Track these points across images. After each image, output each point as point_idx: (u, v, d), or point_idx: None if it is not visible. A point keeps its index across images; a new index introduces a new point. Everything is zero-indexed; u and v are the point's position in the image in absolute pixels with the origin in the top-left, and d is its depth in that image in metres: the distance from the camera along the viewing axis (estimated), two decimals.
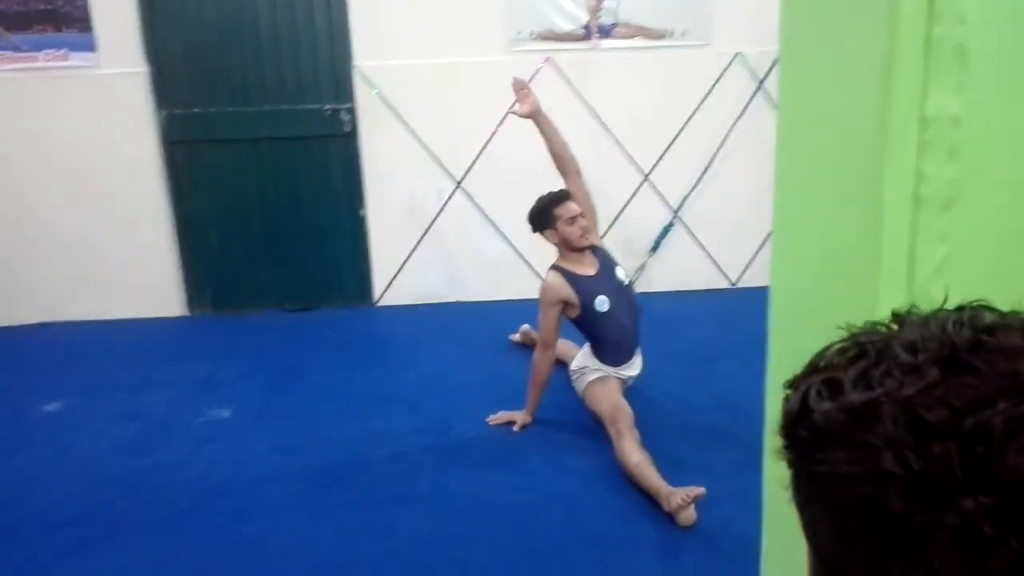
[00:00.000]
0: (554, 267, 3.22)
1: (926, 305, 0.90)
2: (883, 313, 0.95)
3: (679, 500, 2.47)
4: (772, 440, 1.30)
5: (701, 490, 2.50)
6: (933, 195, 0.86)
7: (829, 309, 1.06)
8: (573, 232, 3.14)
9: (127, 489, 2.79)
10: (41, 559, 2.42)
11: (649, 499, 2.59)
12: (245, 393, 3.60)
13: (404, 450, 3.04)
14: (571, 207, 3.16)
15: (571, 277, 3.14)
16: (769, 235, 4.19)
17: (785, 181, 1.13)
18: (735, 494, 2.60)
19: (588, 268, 3.20)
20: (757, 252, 4.88)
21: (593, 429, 3.07)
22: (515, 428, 3.12)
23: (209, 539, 2.49)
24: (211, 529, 2.54)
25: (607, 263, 3.26)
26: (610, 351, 3.18)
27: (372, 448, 3.05)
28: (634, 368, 3.27)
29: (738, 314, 4.49)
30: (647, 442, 2.88)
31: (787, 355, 1.20)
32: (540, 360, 3.11)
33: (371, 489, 2.76)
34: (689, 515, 2.48)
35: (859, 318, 1.00)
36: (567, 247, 3.18)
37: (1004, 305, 0.55)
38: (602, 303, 3.12)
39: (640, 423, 3.07)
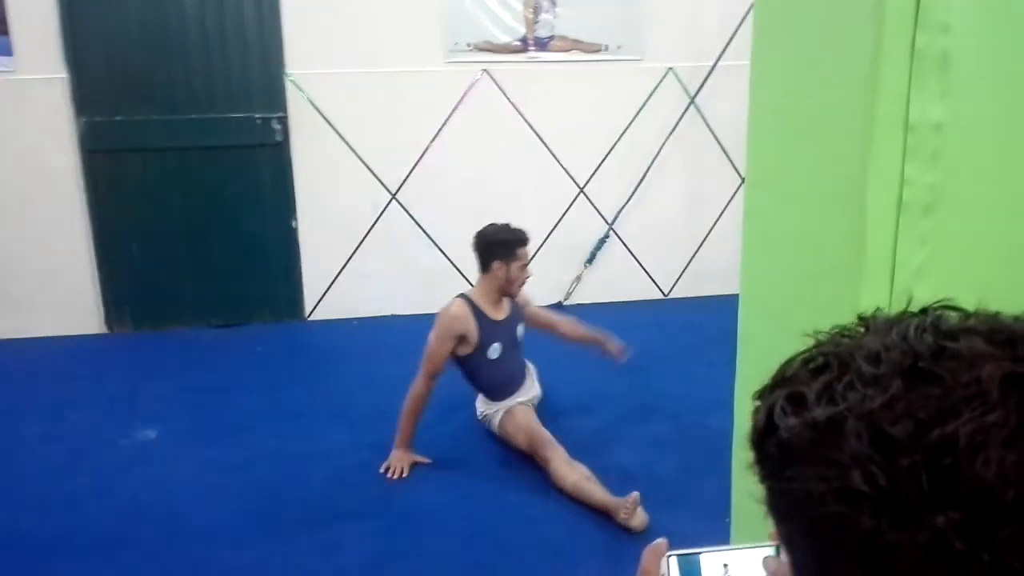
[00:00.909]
0: (465, 297, 3.07)
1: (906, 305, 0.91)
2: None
3: (623, 514, 2.48)
4: (741, 449, 1.31)
5: (634, 495, 2.50)
6: (915, 199, 0.88)
7: (807, 311, 1.08)
8: (519, 278, 3.04)
9: (53, 515, 2.63)
10: None
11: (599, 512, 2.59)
12: (172, 412, 3.45)
13: (345, 467, 2.97)
14: (528, 253, 3.10)
15: (479, 315, 3.02)
16: (699, 247, 4.33)
17: (758, 185, 1.14)
18: (684, 499, 2.63)
19: (499, 313, 3.09)
20: (688, 263, 4.99)
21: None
22: (392, 475, 2.86)
23: (146, 565, 2.37)
24: (147, 554, 2.42)
25: (516, 315, 3.18)
26: (495, 391, 3.11)
27: (311, 465, 2.97)
28: (532, 390, 3.25)
29: (671, 324, 4.59)
30: (592, 455, 2.90)
31: (758, 359, 1.21)
32: (421, 391, 2.90)
33: (314, 507, 2.69)
34: (640, 520, 2.49)
35: (839, 319, 1.01)
36: (501, 288, 3.05)
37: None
38: (495, 351, 3.03)
39: (582, 434, 3.09)
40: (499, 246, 3.03)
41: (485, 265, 3.06)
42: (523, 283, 3.08)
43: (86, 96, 4.26)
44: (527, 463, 2.93)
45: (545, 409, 3.37)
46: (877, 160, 0.87)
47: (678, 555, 0.87)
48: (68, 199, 4.35)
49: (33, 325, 4.44)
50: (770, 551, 0.85)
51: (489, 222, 3.19)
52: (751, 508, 1.29)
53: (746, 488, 1.25)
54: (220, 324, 4.56)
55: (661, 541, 0.88)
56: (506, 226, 3.09)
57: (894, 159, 0.87)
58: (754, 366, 1.22)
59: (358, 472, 2.93)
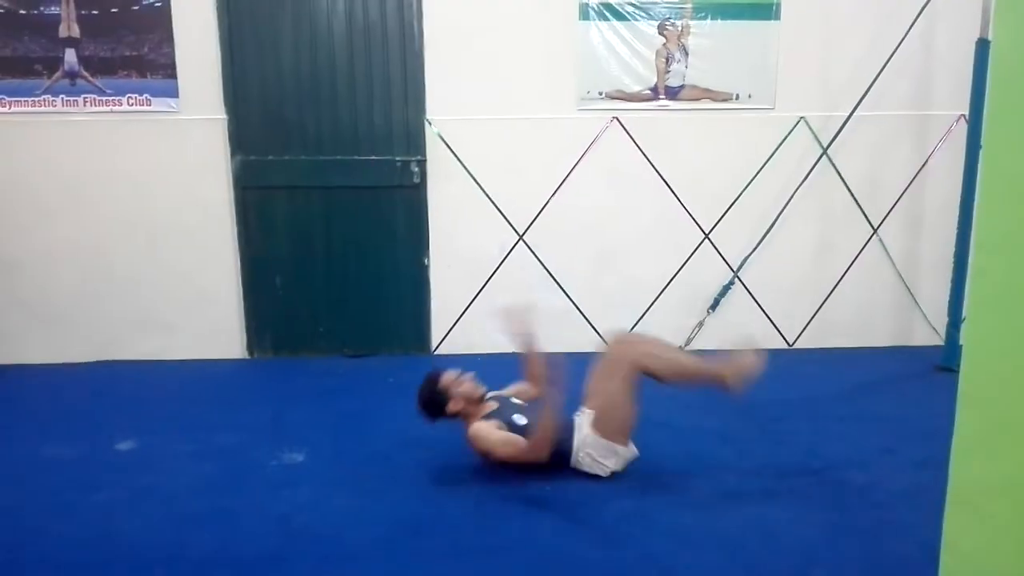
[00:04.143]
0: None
1: None
2: None
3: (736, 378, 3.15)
4: (960, 512, 1.30)
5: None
6: None
7: None
8: (465, 389, 3.26)
9: (212, 530, 2.78)
10: None
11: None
12: (316, 437, 3.61)
13: (483, 499, 3.03)
14: (448, 374, 3.29)
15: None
16: (827, 299, 4.35)
17: (991, 246, 1.16)
18: (835, 557, 2.58)
19: (488, 408, 3.28)
20: (815, 314, 4.90)
21: (676, 488, 3.07)
22: None
23: None
24: (302, 573, 2.53)
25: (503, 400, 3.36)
26: None
27: (451, 496, 3.05)
28: None
29: (797, 375, 4.51)
30: (734, 506, 2.90)
31: (981, 422, 1.22)
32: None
33: (456, 538, 2.75)
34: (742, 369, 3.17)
35: None
36: (469, 403, 3.26)
37: None
38: (519, 419, 3.20)
39: (722, 484, 3.08)
40: (432, 404, 3.27)
41: (450, 412, 3.27)
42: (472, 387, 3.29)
43: (241, 136, 4.57)
44: (668, 505, 2.93)
45: (676, 455, 3.38)
46: None
47: None
48: (221, 231, 4.65)
49: (180, 347, 4.74)
50: None
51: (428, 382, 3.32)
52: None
53: (962, 552, 1.25)
54: (352, 354, 4.75)
55: None
56: (420, 391, 3.30)
57: None
58: (977, 429, 1.22)
59: (496, 506, 2.98)
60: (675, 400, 4.05)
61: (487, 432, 3.16)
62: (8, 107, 4.47)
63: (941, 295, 4.62)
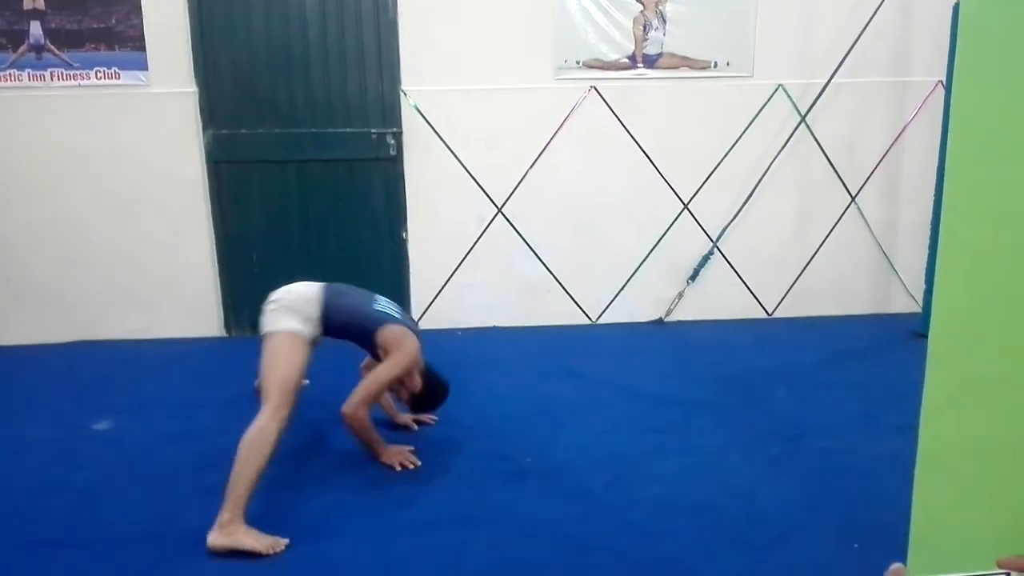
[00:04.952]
0: None
1: None
2: None
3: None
4: (931, 472, 1.30)
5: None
6: None
7: (1013, 336, 1.09)
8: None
9: (194, 508, 2.76)
10: None
11: None
12: (294, 414, 3.58)
13: (465, 473, 3.04)
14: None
15: None
16: (806, 267, 4.33)
17: (959, 208, 1.15)
18: (810, 524, 2.60)
19: None
20: (794, 283, 4.92)
21: (654, 456, 3.09)
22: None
23: (285, 559, 2.48)
24: (286, 549, 2.53)
25: None
26: None
27: (433, 470, 3.05)
28: None
29: (778, 344, 4.54)
30: (711, 471, 2.91)
31: (950, 382, 1.22)
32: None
33: (437, 510, 2.75)
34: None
35: None
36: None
37: None
38: None
39: (700, 452, 3.10)
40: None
41: None
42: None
43: (213, 110, 4.48)
44: (647, 477, 2.94)
45: (655, 425, 3.40)
46: None
47: None
48: (194, 207, 4.58)
49: (157, 326, 4.69)
50: None
51: None
52: (933, 537, 1.28)
53: (932, 511, 1.25)
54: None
55: (899, 566, 0.91)
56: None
57: None
58: (945, 388, 1.22)
59: (478, 479, 2.99)
60: (653, 369, 4.08)
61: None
62: None
63: (919, 262, 4.65)
